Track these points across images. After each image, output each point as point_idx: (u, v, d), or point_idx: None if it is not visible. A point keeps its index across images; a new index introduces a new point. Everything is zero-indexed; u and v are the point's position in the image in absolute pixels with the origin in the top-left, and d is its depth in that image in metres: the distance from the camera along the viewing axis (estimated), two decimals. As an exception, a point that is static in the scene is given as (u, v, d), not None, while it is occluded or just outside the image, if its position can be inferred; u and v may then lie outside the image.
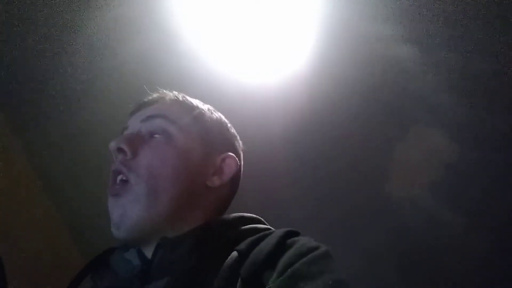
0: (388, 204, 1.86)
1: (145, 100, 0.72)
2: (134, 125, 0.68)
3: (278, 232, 0.59)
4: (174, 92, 0.74)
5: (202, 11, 1.46)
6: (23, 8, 1.47)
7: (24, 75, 1.71)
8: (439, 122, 1.65)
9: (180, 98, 0.73)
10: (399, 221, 1.90)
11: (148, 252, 0.60)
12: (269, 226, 0.68)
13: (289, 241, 0.57)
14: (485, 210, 1.79)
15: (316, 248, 0.54)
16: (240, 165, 0.73)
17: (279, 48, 1.55)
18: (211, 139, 0.70)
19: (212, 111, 0.75)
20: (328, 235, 1.93)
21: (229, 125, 0.77)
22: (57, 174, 2.03)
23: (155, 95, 0.73)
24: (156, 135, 0.66)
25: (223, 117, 0.77)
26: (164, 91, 0.74)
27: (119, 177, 0.63)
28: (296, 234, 0.60)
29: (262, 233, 0.61)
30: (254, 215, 0.70)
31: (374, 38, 1.47)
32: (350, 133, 1.73)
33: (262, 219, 0.70)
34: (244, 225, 0.65)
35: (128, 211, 0.60)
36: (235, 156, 0.72)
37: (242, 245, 0.58)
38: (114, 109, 1.76)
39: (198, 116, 0.71)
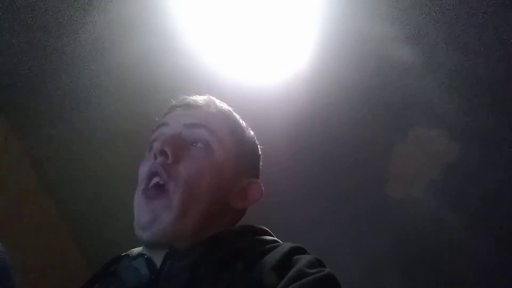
0: (390, 206, 1.86)
1: (190, 101, 0.71)
2: (176, 126, 0.67)
3: (283, 247, 0.59)
4: (220, 101, 0.73)
5: (203, 12, 1.46)
6: (24, 9, 1.47)
7: (24, 75, 1.71)
8: (440, 123, 1.65)
9: (226, 111, 0.72)
10: (402, 224, 1.89)
11: (157, 261, 0.60)
12: (276, 238, 0.68)
13: (294, 258, 0.57)
14: (489, 212, 1.79)
15: (314, 273, 0.53)
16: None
17: (279, 49, 1.55)
18: (244, 160, 0.70)
19: (249, 129, 0.75)
20: (329, 238, 1.94)
21: (258, 146, 0.76)
22: (58, 174, 2.03)
23: (201, 98, 0.72)
24: (198, 144, 0.65)
25: (255, 136, 0.76)
26: (210, 97, 0.73)
27: (155, 180, 0.63)
28: (301, 250, 0.60)
29: (268, 246, 0.61)
30: (262, 226, 0.70)
31: (374, 39, 1.47)
32: (351, 134, 1.73)
33: (269, 230, 0.70)
34: (251, 236, 0.65)
35: (159, 217, 0.60)
36: (260, 183, 0.72)
37: (248, 257, 0.58)
38: (114, 109, 1.77)
39: (238, 134, 0.71)
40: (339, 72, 1.57)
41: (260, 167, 0.77)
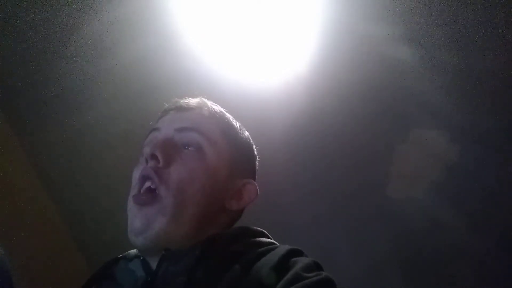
0: (391, 206, 1.85)
1: (182, 104, 0.71)
2: (167, 130, 0.67)
3: (281, 250, 0.59)
4: (212, 103, 0.73)
5: (203, 12, 1.46)
6: (24, 8, 1.47)
7: (24, 75, 1.71)
8: (440, 123, 1.65)
9: (218, 113, 0.72)
10: (402, 224, 1.89)
11: (153, 263, 0.60)
12: (273, 240, 0.68)
13: (291, 261, 0.57)
14: (489, 212, 1.79)
15: (311, 277, 0.53)
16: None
17: (280, 49, 1.55)
18: (238, 162, 0.70)
19: (243, 130, 0.75)
20: (330, 239, 1.94)
21: (254, 146, 0.76)
22: (57, 174, 2.03)
23: (193, 101, 0.72)
24: (190, 148, 0.65)
25: (249, 137, 0.76)
26: (203, 99, 0.73)
27: (147, 184, 0.63)
28: (299, 253, 0.60)
29: (265, 248, 0.61)
30: (259, 228, 0.70)
31: (374, 39, 1.47)
32: (352, 134, 1.73)
33: (266, 232, 0.70)
34: (248, 239, 0.65)
35: (152, 222, 0.60)
36: (255, 184, 0.72)
37: (245, 259, 0.58)
38: (114, 109, 1.77)
39: (231, 136, 0.71)
40: (339, 73, 1.57)
41: (257, 167, 0.76)
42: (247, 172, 0.73)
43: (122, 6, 1.44)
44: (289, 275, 0.53)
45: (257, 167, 0.77)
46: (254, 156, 0.76)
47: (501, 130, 1.62)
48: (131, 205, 0.63)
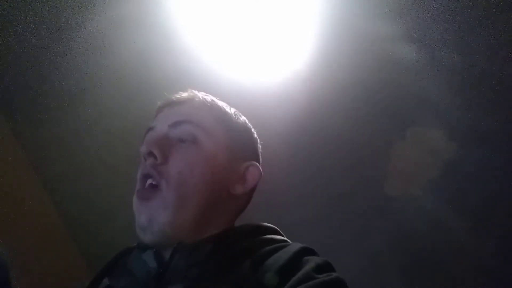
0: (390, 206, 1.85)
1: (174, 99, 0.72)
2: (162, 128, 0.68)
3: (293, 247, 0.59)
4: (203, 93, 0.74)
5: (202, 11, 1.46)
6: (23, 8, 1.47)
7: (24, 75, 1.71)
8: (440, 123, 1.65)
9: (209, 102, 0.72)
10: (401, 223, 1.89)
11: (166, 255, 0.61)
12: (285, 238, 0.68)
13: (303, 259, 0.57)
14: (488, 212, 1.78)
15: (323, 277, 0.53)
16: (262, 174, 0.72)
17: (279, 48, 1.55)
18: (237, 146, 0.70)
19: (238, 115, 0.75)
20: (329, 238, 1.93)
21: (252, 129, 0.77)
22: (57, 174, 2.03)
23: (184, 95, 0.72)
24: (185, 140, 0.66)
25: (247, 121, 0.76)
26: (193, 91, 0.74)
27: (149, 181, 0.64)
28: (311, 252, 0.60)
29: (277, 245, 0.62)
30: (271, 225, 0.70)
31: (374, 38, 1.47)
32: (351, 133, 1.73)
33: (279, 230, 0.70)
34: (261, 235, 0.65)
35: (156, 216, 0.61)
36: (258, 165, 0.72)
37: (257, 255, 0.58)
38: (114, 109, 1.77)
39: (226, 122, 0.71)
40: (338, 71, 1.57)
41: (260, 150, 0.76)
42: (248, 155, 0.73)
43: (120, 5, 1.44)
44: (299, 274, 0.53)
45: (260, 150, 0.77)
46: (253, 139, 0.76)
47: (501, 130, 1.62)
48: (135, 201, 0.64)
